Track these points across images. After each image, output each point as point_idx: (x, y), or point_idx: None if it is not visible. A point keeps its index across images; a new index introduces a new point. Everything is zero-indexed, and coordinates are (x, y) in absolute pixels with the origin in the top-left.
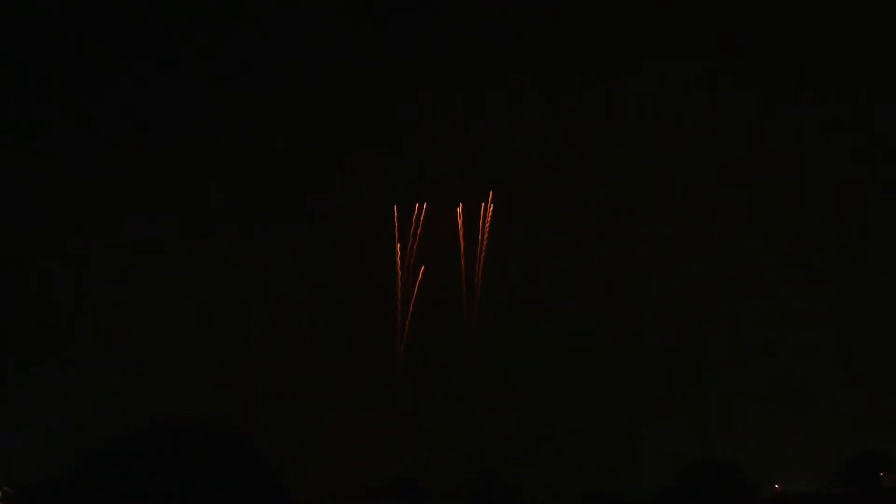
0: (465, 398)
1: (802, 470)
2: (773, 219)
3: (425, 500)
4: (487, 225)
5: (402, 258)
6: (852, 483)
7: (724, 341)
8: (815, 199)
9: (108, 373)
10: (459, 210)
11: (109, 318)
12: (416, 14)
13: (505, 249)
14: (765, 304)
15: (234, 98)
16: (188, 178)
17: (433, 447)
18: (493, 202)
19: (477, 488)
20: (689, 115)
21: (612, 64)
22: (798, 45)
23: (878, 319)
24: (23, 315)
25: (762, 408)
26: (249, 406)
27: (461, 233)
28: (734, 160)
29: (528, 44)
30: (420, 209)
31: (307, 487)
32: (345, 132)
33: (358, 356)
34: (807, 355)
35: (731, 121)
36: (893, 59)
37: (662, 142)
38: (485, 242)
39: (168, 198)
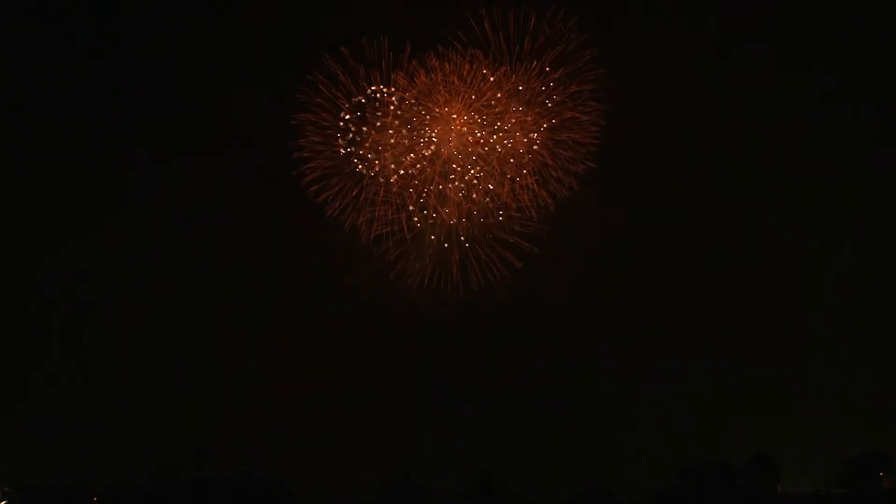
0: (465, 398)
1: (802, 470)
2: (774, 218)
3: (424, 502)
4: None
5: None
6: (852, 484)
7: (725, 341)
8: (826, 201)
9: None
10: None
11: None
12: None
13: None
14: (766, 303)
15: None
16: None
17: (433, 448)
18: None
19: (476, 490)
20: None
21: None
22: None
23: (880, 320)
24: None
25: (762, 408)
26: (249, 406)
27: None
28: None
29: None
30: None
31: (306, 488)
32: None
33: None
34: (807, 355)
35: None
36: None
37: None
38: None
39: None
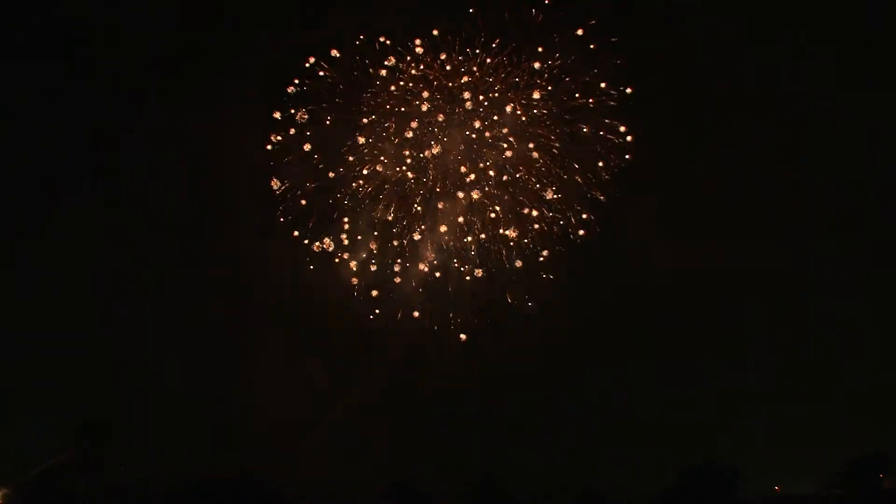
0: (464, 400)
1: (802, 470)
2: (772, 219)
3: None
4: None
5: None
6: (852, 484)
7: (725, 341)
8: (826, 203)
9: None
10: None
11: None
12: None
13: None
14: (766, 304)
15: None
16: None
17: (433, 450)
18: None
19: (477, 492)
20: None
21: None
22: None
23: (880, 319)
24: None
25: (762, 408)
26: (248, 407)
27: None
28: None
29: None
30: None
31: (306, 489)
32: None
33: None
34: (807, 355)
35: None
36: None
37: None
38: None
39: None
